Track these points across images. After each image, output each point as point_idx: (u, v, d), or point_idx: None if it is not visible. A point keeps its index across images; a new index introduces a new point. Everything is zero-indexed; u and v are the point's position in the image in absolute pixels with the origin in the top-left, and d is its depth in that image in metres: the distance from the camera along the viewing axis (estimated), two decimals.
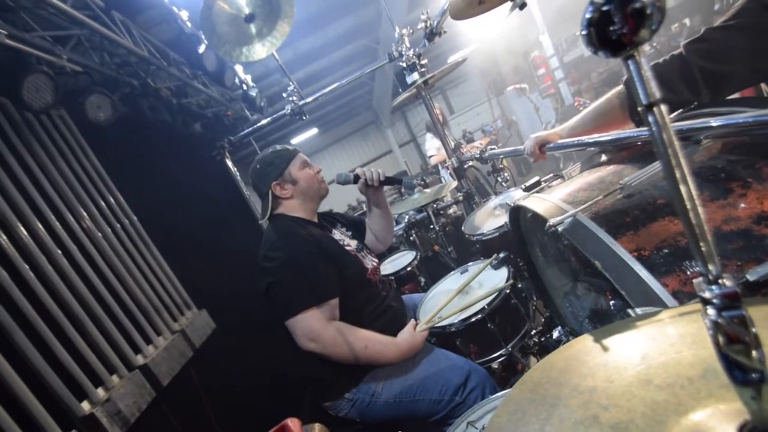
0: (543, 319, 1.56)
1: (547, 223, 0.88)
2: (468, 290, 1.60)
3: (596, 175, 1.03)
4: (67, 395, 1.57)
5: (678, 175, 0.29)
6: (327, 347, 1.28)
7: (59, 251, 1.83)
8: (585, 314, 1.35)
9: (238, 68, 3.98)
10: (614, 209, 0.84)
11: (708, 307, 0.31)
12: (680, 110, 0.97)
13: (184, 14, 2.91)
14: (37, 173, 1.91)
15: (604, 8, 0.28)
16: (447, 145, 2.81)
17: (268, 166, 1.52)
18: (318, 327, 1.28)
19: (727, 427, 0.35)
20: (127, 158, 2.65)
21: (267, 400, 2.69)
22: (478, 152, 2.42)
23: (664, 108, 0.29)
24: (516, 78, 8.00)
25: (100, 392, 1.73)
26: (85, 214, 2.10)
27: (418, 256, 2.46)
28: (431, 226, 2.84)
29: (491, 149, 2.35)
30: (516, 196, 1.74)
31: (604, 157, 1.23)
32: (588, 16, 0.29)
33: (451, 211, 3.17)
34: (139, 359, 2.01)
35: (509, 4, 1.50)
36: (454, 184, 2.78)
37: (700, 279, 0.32)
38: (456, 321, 1.42)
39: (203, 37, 2.83)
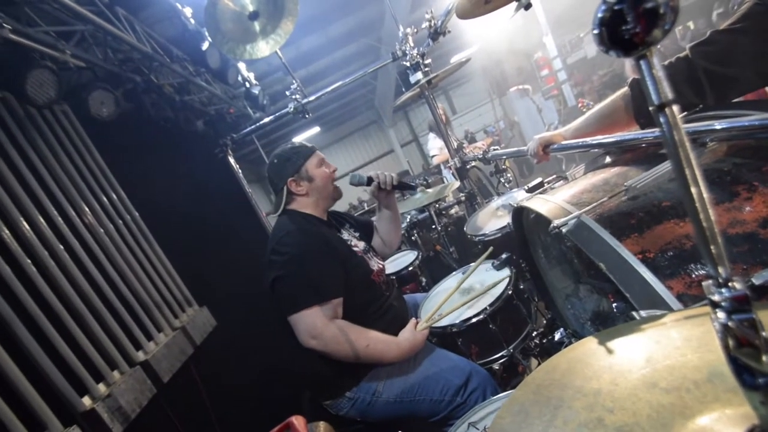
0: (545, 321, 1.56)
1: (552, 224, 0.88)
2: (469, 289, 1.60)
3: (601, 177, 1.02)
4: (69, 390, 1.57)
5: (689, 175, 0.29)
6: (328, 345, 1.28)
7: (61, 246, 1.83)
8: (587, 316, 1.35)
9: (241, 66, 3.98)
10: (619, 211, 0.84)
11: (717, 310, 0.31)
12: (685, 113, 0.96)
13: (188, 11, 2.91)
14: (39, 169, 1.91)
15: (617, 7, 0.28)
16: (450, 145, 2.80)
17: (286, 161, 1.53)
18: (320, 325, 1.28)
19: None
20: (129, 154, 2.65)
21: (267, 398, 2.69)
22: (481, 152, 2.41)
23: (675, 108, 0.29)
24: (519, 79, 7.98)
25: (101, 388, 1.73)
26: (87, 209, 2.10)
27: (420, 256, 2.46)
28: (433, 226, 2.84)
29: (494, 149, 2.35)
30: (519, 197, 1.74)
31: (608, 159, 1.23)
32: (600, 15, 0.29)
33: (453, 211, 3.16)
34: (140, 355, 2.01)
35: (515, 4, 1.49)
36: (457, 184, 2.77)
37: (710, 282, 0.32)
38: (458, 321, 1.42)
39: (207, 34, 2.83)
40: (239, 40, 2.23)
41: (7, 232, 1.62)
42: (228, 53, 2.29)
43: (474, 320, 1.40)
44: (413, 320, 1.44)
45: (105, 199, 2.26)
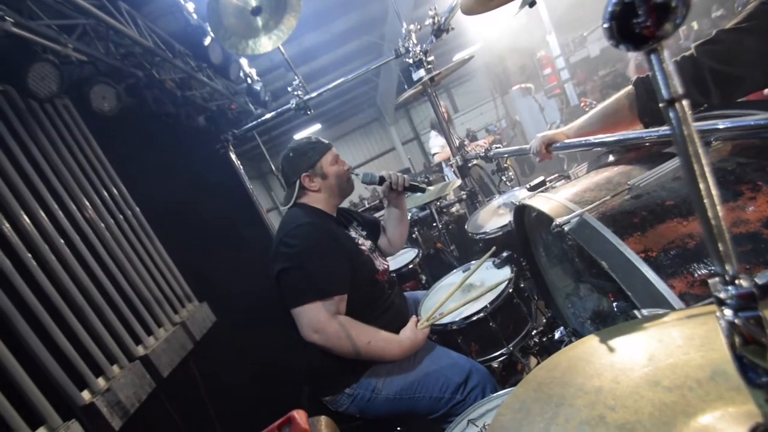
0: (545, 320, 1.56)
1: (554, 222, 0.88)
2: (470, 288, 1.60)
3: (604, 176, 1.02)
4: (68, 384, 1.57)
5: (698, 171, 0.28)
6: (330, 340, 1.28)
7: (62, 241, 1.83)
8: (587, 315, 1.35)
9: (243, 62, 3.97)
10: (622, 210, 0.84)
11: (724, 307, 0.30)
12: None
13: (190, 6, 2.90)
14: (41, 162, 1.91)
15: (628, 0, 0.28)
16: (452, 143, 2.79)
17: (302, 156, 1.53)
18: (323, 319, 1.28)
19: (736, 430, 0.35)
20: (130, 149, 2.64)
21: (266, 394, 2.70)
22: (483, 151, 2.41)
23: (686, 103, 0.28)
24: (521, 77, 7.96)
25: (101, 382, 1.73)
26: (88, 204, 2.10)
27: (420, 254, 2.46)
28: (434, 224, 2.84)
29: (496, 148, 2.35)
30: (520, 195, 1.74)
31: (611, 158, 1.23)
32: (611, 8, 0.28)
33: (454, 209, 3.16)
34: (140, 350, 2.01)
35: (519, 1, 1.48)
36: (458, 182, 2.77)
37: (716, 279, 0.31)
38: (458, 319, 1.42)
39: (209, 29, 2.82)
40: (242, 36, 2.22)
41: (7, 225, 1.62)
42: (230, 48, 2.28)
43: (474, 318, 1.40)
44: (414, 318, 1.45)
45: (106, 193, 2.26)
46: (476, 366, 1.37)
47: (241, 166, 2.98)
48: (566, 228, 0.86)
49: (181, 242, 2.71)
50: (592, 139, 1.19)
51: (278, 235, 1.43)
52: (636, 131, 1.04)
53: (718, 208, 0.29)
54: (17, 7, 1.78)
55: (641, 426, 0.40)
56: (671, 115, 0.29)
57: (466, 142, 3.36)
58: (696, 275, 0.69)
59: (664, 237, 0.74)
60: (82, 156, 2.18)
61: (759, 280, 0.59)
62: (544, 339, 1.51)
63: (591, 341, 0.55)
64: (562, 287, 1.41)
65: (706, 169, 0.29)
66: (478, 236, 1.96)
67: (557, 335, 1.33)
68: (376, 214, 3.80)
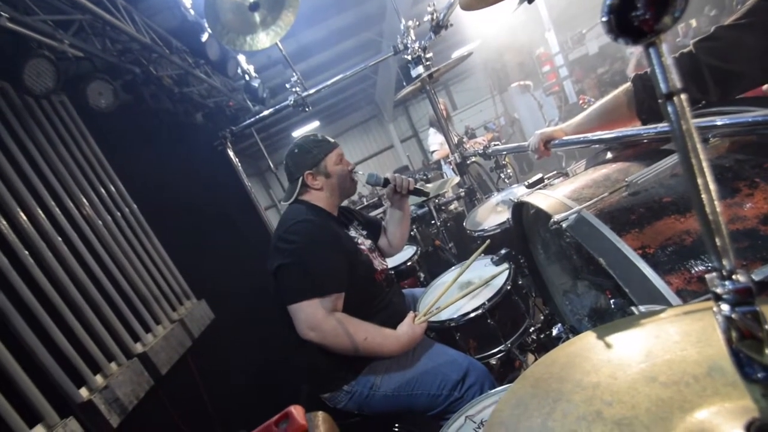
0: (542, 317, 1.57)
1: (552, 219, 0.88)
2: (467, 283, 1.60)
3: (602, 173, 1.02)
4: (66, 381, 1.57)
5: (696, 166, 0.28)
6: (327, 337, 1.28)
7: (59, 238, 1.83)
8: (584, 312, 1.35)
9: (241, 58, 3.95)
10: (619, 207, 0.84)
11: (721, 302, 0.30)
12: None
13: (188, 2, 2.88)
14: (37, 159, 1.90)
15: None
16: (450, 140, 2.79)
17: (306, 153, 1.52)
18: (320, 317, 1.28)
19: (733, 425, 0.35)
20: (127, 146, 2.63)
21: (264, 391, 2.71)
22: (481, 148, 2.41)
23: (684, 97, 0.28)
24: (520, 75, 7.94)
25: (99, 379, 1.73)
26: (85, 201, 2.09)
27: (419, 251, 2.46)
28: (432, 222, 2.84)
29: (494, 145, 2.34)
30: (518, 192, 1.74)
31: (609, 155, 1.23)
32: (609, 1, 0.28)
33: (452, 206, 3.16)
34: (138, 347, 2.01)
35: None
36: (457, 179, 2.77)
37: (713, 274, 0.31)
38: (456, 316, 1.42)
39: (206, 25, 2.80)
40: (239, 32, 2.21)
41: (4, 223, 1.62)
42: (228, 45, 2.27)
43: (472, 315, 1.40)
44: (411, 313, 1.45)
45: (103, 190, 2.25)
46: (474, 363, 1.38)
47: (239, 163, 2.96)
48: (564, 225, 0.86)
49: (179, 239, 2.71)
50: (590, 136, 1.19)
51: (278, 230, 1.43)
52: (634, 128, 1.04)
53: (716, 203, 0.29)
54: (12, 2, 1.76)
55: (638, 421, 0.40)
56: (669, 109, 0.29)
57: (464, 140, 3.36)
58: (693, 272, 0.69)
59: (661, 234, 0.74)
60: (79, 153, 2.17)
61: (756, 277, 0.59)
62: (542, 336, 1.51)
63: (588, 337, 0.55)
64: (560, 284, 1.42)
65: (704, 164, 0.29)
66: (476, 233, 1.96)
67: (555, 332, 1.33)
68: (374, 212, 3.80)
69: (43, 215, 1.79)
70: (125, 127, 2.63)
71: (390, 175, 1.68)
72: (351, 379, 1.38)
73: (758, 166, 0.76)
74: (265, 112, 2.92)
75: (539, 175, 1.36)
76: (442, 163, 4.49)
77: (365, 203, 4.87)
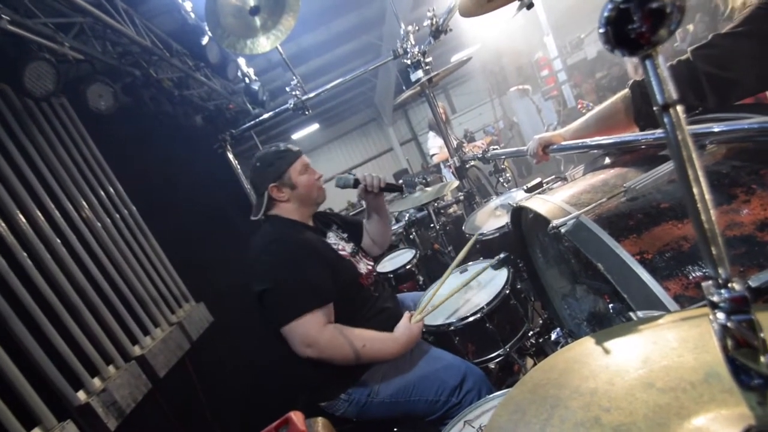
0: (541, 321, 1.57)
1: (551, 224, 0.88)
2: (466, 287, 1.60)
3: (600, 178, 1.02)
4: (63, 384, 1.56)
5: (692, 176, 0.29)
6: (325, 351, 1.26)
7: (58, 240, 1.83)
8: (583, 317, 1.35)
9: (241, 61, 3.97)
10: (617, 212, 0.84)
11: (716, 310, 0.31)
12: (684, 115, 0.96)
13: (188, 5, 2.89)
14: (37, 161, 1.90)
15: (623, 6, 0.28)
16: (449, 144, 2.80)
17: (269, 166, 1.49)
18: (314, 332, 1.25)
19: None
20: (127, 149, 2.64)
21: (263, 395, 2.69)
22: (481, 152, 2.41)
23: (680, 108, 0.29)
24: (519, 79, 7.98)
25: (96, 382, 1.72)
26: (84, 203, 2.09)
27: (418, 255, 2.46)
28: (431, 225, 2.84)
29: (493, 149, 2.35)
30: (517, 196, 1.74)
31: (607, 160, 1.23)
32: (606, 13, 0.29)
33: (451, 210, 3.16)
34: (136, 350, 2.01)
35: (517, 3, 1.49)
36: (456, 183, 2.77)
37: (709, 282, 0.32)
38: (455, 320, 1.42)
39: (207, 28, 2.81)
40: (239, 35, 2.22)
41: (3, 225, 1.61)
42: (228, 48, 2.28)
43: (471, 319, 1.40)
44: (407, 314, 1.43)
45: (102, 193, 2.25)
46: (471, 368, 1.37)
47: (239, 166, 2.97)
48: (563, 230, 0.86)
49: (178, 242, 2.70)
50: (588, 141, 1.20)
51: (252, 253, 1.41)
52: (632, 134, 1.05)
53: (711, 212, 0.29)
54: (13, 5, 1.77)
55: (635, 427, 0.40)
56: (665, 120, 0.29)
57: (463, 143, 3.37)
58: (691, 277, 0.69)
59: (659, 239, 0.75)
60: (78, 155, 2.17)
61: (752, 283, 0.60)
62: (541, 340, 1.51)
63: (587, 343, 0.55)
64: (559, 288, 1.42)
65: (700, 174, 0.29)
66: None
67: (553, 336, 1.33)
68: None
69: (42, 217, 1.79)
70: (125, 129, 2.63)
71: (360, 175, 1.64)
72: (348, 386, 1.37)
73: (755, 173, 0.77)
74: (265, 115, 2.93)
75: (538, 180, 1.36)
76: (442, 166, 4.50)
77: (365, 206, 4.87)
